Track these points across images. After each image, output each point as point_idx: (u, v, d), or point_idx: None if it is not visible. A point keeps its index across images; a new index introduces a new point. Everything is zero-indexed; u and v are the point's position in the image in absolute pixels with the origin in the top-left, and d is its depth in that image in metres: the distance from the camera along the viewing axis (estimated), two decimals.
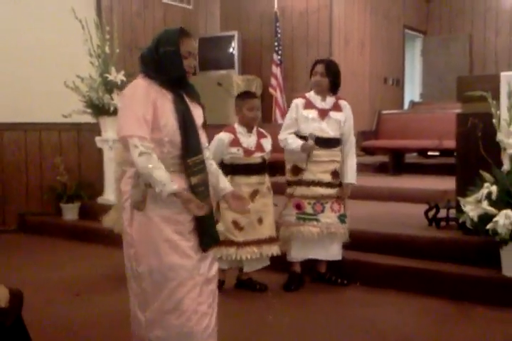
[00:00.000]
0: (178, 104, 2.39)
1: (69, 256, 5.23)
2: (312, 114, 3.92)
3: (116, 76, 6.00)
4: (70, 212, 6.27)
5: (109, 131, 6.13)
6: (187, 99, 2.45)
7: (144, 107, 2.30)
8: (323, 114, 3.94)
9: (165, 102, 2.36)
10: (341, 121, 3.96)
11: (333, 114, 3.95)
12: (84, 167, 6.59)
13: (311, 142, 3.85)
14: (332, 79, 3.94)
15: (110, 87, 6.00)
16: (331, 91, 3.99)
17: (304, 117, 3.92)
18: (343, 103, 4.04)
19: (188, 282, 2.38)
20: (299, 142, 3.88)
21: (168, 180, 2.24)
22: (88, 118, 6.20)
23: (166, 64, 2.38)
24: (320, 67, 3.93)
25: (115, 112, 6.03)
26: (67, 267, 4.83)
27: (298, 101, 3.99)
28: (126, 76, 6.10)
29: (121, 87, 6.08)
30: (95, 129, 6.30)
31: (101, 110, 6.02)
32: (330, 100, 3.99)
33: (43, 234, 6.17)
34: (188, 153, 2.37)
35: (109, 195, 6.23)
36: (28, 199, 6.47)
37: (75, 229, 6.04)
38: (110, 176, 6.23)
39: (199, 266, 2.43)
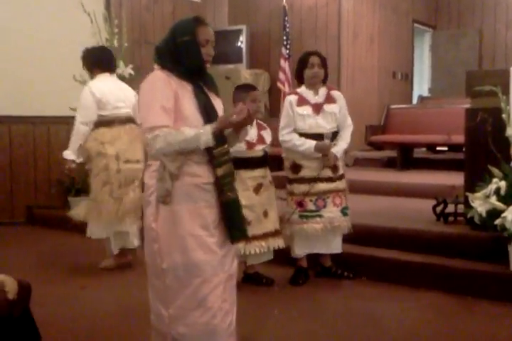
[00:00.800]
0: (199, 95, 2.37)
1: (76, 249, 5.25)
2: (307, 110, 3.90)
3: (125, 70, 6.01)
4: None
5: None
6: (206, 90, 2.43)
7: (164, 97, 2.28)
8: (317, 108, 3.92)
9: (185, 93, 2.34)
10: (336, 113, 3.95)
11: (327, 107, 3.93)
12: None
13: (327, 142, 3.84)
14: (325, 70, 3.95)
15: None
16: (323, 82, 3.99)
17: (299, 115, 3.90)
18: (336, 94, 4.02)
19: (214, 279, 2.36)
20: (311, 142, 3.85)
21: (200, 129, 2.25)
22: None
23: (183, 54, 2.35)
24: (316, 59, 3.91)
25: None
26: (74, 260, 4.85)
27: (291, 98, 3.96)
28: (134, 70, 6.11)
29: (129, 80, 6.09)
30: None
31: None
32: (322, 92, 3.98)
33: (50, 227, 6.19)
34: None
35: None
36: (37, 193, 6.49)
37: (82, 223, 6.04)
38: None
39: (224, 263, 2.42)
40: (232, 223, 2.42)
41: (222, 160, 2.36)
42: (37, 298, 2.42)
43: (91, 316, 3.46)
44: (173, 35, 2.37)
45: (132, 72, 6.06)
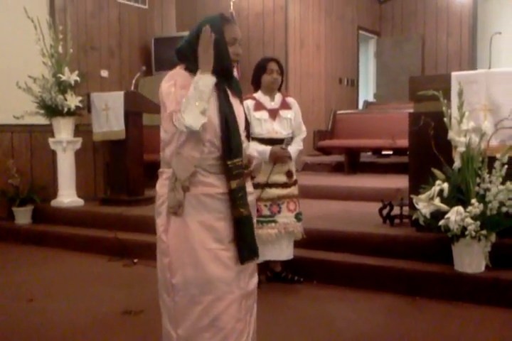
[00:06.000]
0: (222, 100, 2.19)
1: (22, 261, 5.11)
2: (263, 115, 3.93)
3: (70, 76, 5.92)
4: (23, 216, 6.12)
5: (63, 132, 6.03)
6: (230, 95, 2.26)
7: (185, 91, 2.11)
8: (273, 114, 3.95)
9: None
10: (291, 119, 3.99)
11: (283, 113, 3.97)
12: (37, 169, 6.45)
13: (282, 147, 3.86)
14: (282, 77, 3.99)
15: (63, 88, 5.92)
16: (278, 89, 4.03)
17: (256, 119, 3.91)
18: (291, 100, 4.06)
19: (227, 296, 2.18)
20: (265, 148, 3.85)
21: (194, 79, 2.11)
22: (41, 120, 6.08)
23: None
24: (275, 65, 3.93)
25: (69, 113, 5.95)
26: (20, 272, 4.71)
27: (248, 103, 3.96)
28: (80, 76, 6.02)
29: (74, 87, 6.00)
30: (48, 131, 6.18)
31: (54, 111, 5.92)
32: (278, 99, 4.01)
33: None
34: (228, 154, 2.18)
35: (63, 198, 6.12)
36: None
37: (28, 233, 5.91)
38: (64, 178, 6.13)
39: (239, 279, 2.24)
40: (243, 242, 2.23)
41: (236, 172, 2.20)
42: None
43: (38, 329, 3.36)
44: (198, 34, 2.18)
45: (78, 79, 5.97)
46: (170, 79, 2.20)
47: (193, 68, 2.18)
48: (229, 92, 2.26)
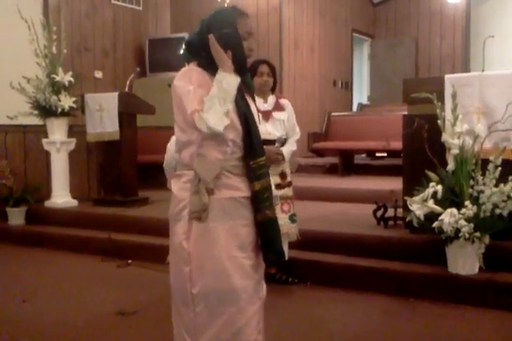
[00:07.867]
0: (238, 98, 2.05)
1: (15, 262, 5.09)
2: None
3: (64, 77, 5.91)
4: (16, 217, 6.10)
5: (57, 133, 6.02)
6: (244, 92, 2.13)
7: (203, 90, 1.99)
8: (266, 115, 3.96)
9: None
10: (285, 120, 4.01)
11: (276, 115, 3.98)
12: (31, 170, 6.43)
13: (277, 146, 3.86)
14: (274, 79, 4.00)
15: (57, 88, 5.90)
16: (271, 90, 4.04)
17: None
18: (284, 102, 4.08)
19: (250, 308, 2.08)
20: None
21: (216, 77, 2.00)
22: (35, 120, 6.07)
23: (223, 49, 2.04)
24: (265, 68, 3.95)
25: (63, 114, 5.93)
26: (13, 272, 4.70)
27: None
28: (74, 77, 6.01)
29: (68, 88, 5.99)
30: (42, 131, 6.17)
31: (48, 112, 5.90)
32: (271, 100, 4.03)
33: None
34: (250, 154, 2.07)
35: (56, 199, 6.11)
36: None
37: (21, 234, 5.89)
38: (58, 179, 6.11)
39: (258, 288, 2.15)
40: (269, 245, 2.13)
41: (260, 172, 2.08)
42: None
43: (31, 330, 3.35)
44: (208, 28, 2.08)
45: (72, 79, 5.96)
46: (184, 76, 2.06)
47: (203, 64, 2.08)
48: (243, 88, 2.13)
